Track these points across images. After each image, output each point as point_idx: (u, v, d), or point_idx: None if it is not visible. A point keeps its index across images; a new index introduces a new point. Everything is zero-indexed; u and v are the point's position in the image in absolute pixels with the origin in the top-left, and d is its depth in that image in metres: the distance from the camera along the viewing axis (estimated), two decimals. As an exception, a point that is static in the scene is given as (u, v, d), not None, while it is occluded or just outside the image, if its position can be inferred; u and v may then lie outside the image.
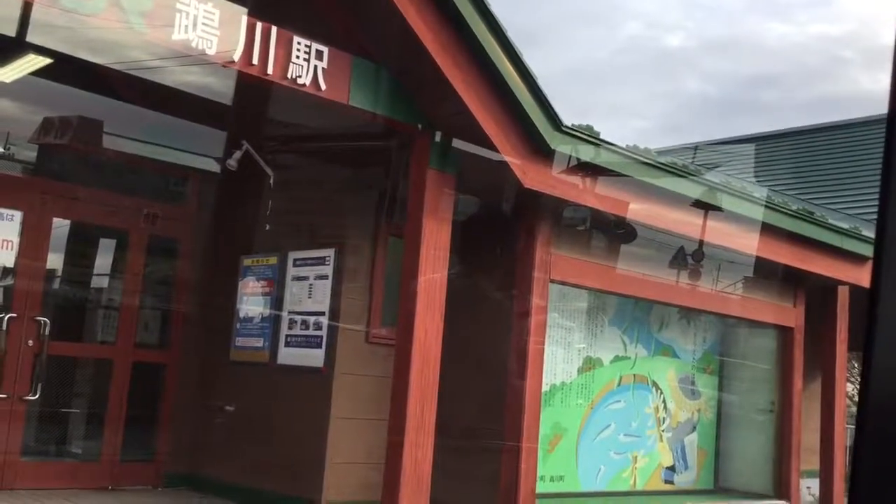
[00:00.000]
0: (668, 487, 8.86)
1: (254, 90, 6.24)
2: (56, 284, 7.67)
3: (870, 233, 9.33)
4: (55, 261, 7.48)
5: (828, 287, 9.70)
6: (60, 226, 7.34)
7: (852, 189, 12.74)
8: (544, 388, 7.33)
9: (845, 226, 9.46)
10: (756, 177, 13.64)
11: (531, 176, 6.34)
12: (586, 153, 6.66)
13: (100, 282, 8.15)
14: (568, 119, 6.35)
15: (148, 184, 8.03)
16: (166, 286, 8.01)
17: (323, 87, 5.56)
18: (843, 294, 9.84)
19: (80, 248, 7.95)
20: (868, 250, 9.05)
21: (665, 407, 8.92)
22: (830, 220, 9.33)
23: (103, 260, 8.11)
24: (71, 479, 7.10)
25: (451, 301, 6.27)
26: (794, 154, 14.81)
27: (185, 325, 7.79)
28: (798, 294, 9.67)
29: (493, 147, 6.05)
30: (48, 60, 6.54)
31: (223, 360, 7.67)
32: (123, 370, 7.42)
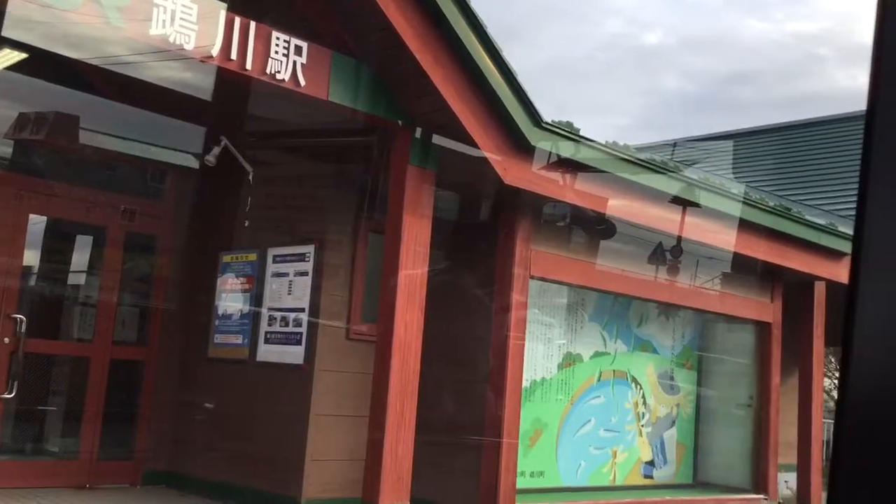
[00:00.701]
0: (647, 482, 8.91)
1: (233, 85, 6.21)
2: (32, 281, 7.59)
3: (846, 229, 9.42)
4: (31, 258, 7.41)
5: (805, 282, 9.79)
6: (37, 222, 7.27)
7: (828, 185, 12.85)
8: (525, 383, 7.35)
9: (822, 222, 9.55)
10: (734, 173, 13.74)
11: (511, 172, 6.35)
12: (566, 149, 6.67)
13: (77, 279, 8.08)
14: (548, 115, 6.37)
15: (126, 180, 7.96)
16: (144, 283, 7.96)
17: (302, 82, 5.54)
18: (819, 289, 9.93)
19: (57, 245, 7.88)
20: (844, 246, 9.14)
21: (644, 402, 8.97)
22: (807, 217, 9.41)
23: (80, 256, 8.04)
24: (48, 478, 7.04)
25: (432, 297, 6.27)
26: (771, 151, 14.93)
27: (164, 322, 7.74)
28: (775, 290, 9.75)
29: (473, 143, 6.05)
30: (24, 55, 6.47)
31: (202, 357, 7.63)
32: (101, 367, 7.36)
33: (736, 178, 12.90)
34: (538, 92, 6.23)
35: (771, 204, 9.17)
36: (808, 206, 11.69)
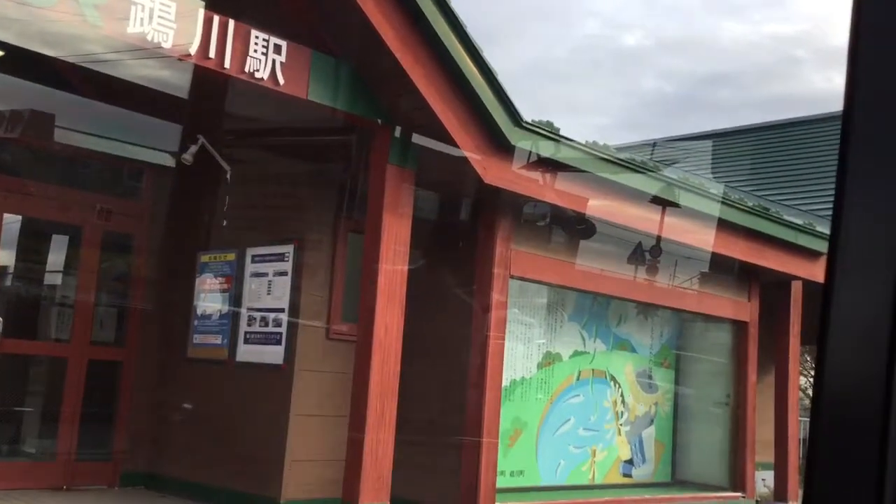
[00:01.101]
0: (626, 481, 8.95)
1: (210, 84, 6.17)
2: (8, 282, 7.52)
3: (823, 228, 9.50)
4: (7, 257, 7.33)
5: (781, 282, 9.87)
6: (12, 221, 7.19)
7: (806, 185, 12.96)
8: (504, 382, 7.36)
9: (799, 222, 9.63)
10: (713, 173, 13.82)
11: (491, 172, 6.35)
12: (546, 149, 6.69)
13: (54, 278, 8.00)
14: (528, 116, 6.39)
15: (102, 179, 7.90)
16: (122, 283, 7.89)
17: (281, 81, 5.52)
18: (796, 289, 10.02)
19: (33, 245, 7.80)
20: (821, 246, 9.22)
21: (623, 401, 9.01)
22: (785, 217, 9.49)
23: (57, 256, 7.96)
24: (25, 480, 6.97)
25: (412, 297, 6.26)
26: (749, 151, 15.03)
27: (142, 323, 7.69)
28: (752, 289, 9.82)
29: (453, 142, 6.05)
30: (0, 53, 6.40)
31: (181, 357, 7.58)
32: (78, 368, 7.30)
33: (715, 177, 12.99)
34: (518, 92, 6.25)
35: (749, 204, 9.24)
36: (786, 205, 11.78)
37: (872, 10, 0.90)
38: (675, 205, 7.88)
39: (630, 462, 9.07)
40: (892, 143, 0.89)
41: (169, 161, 7.75)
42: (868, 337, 0.88)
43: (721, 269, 9.24)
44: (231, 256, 7.37)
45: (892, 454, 0.85)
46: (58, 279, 8.02)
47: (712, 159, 14.97)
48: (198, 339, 7.52)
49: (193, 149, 7.03)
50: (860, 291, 0.89)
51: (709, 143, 15.45)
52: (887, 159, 0.89)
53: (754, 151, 14.97)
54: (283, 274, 6.94)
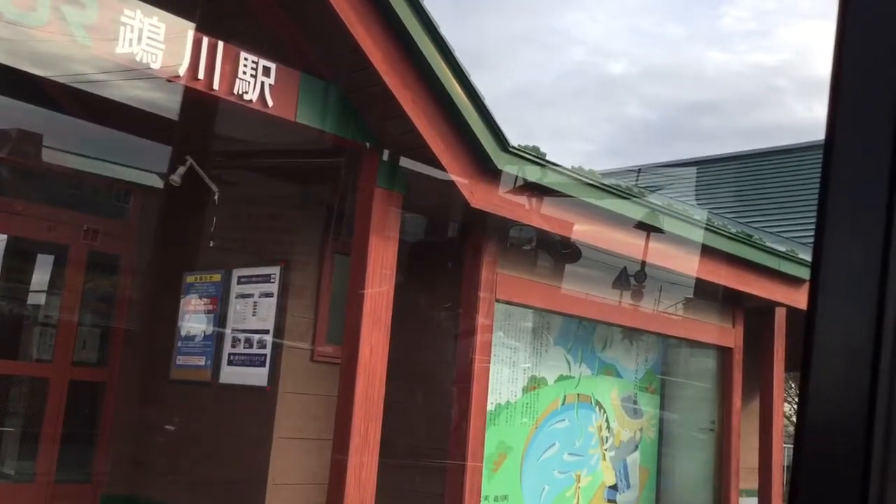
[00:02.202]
0: (610, 506, 8.92)
1: (199, 105, 6.18)
2: (-9, 301, 7.46)
3: (806, 256, 9.57)
4: (-10, 276, 7.28)
5: (765, 308, 9.92)
6: (-3, 240, 7.15)
7: (788, 213, 13.06)
8: (489, 406, 7.34)
9: (782, 249, 9.69)
10: (697, 200, 13.91)
11: (478, 195, 6.38)
12: (532, 174, 6.72)
13: (37, 298, 7.95)
14: (515, 141, 6.42)
15: (89, 199, 7.88)
16: (106, 303, 7.85)
17: (270, 103, 5.53)
18: (780, 315, 10.06)
19: (18, 264, 7.75)
20: (804, 273, 9.28)
21: (608, 426, 9.00)
22: (768, 243, 9.55)
23: (41, 276, 7.92)
24: (3, 502, 6.88)
25: (398, 320, 6.25)
26: (732, 178, 15.16)
27: (125, 343, 7.64)
28: (737, 315, 9.86)
29: (440, 166, 6.08)
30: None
31: (164, 378, 7.53)
32: (60, 388, 7.24)
33: (699, 204, 13.07)
34: (505, 118, 6.30)
35: (733, 230, 9.29)
36: (769, 233, 11.86)
37: (855, 40, 0.92)
38: (659, 230, 7.92)
39: (615, 488, 9.04)
40: (872, 171, 0.90)
41: (157, 182, 7.74)
42: (849, 363, 0.89)
43: (705, 295, 9.28)
44: (217, 277, 7.35)
45: (875, 480, 0.86)
46: (42, 298, 7.97)
47: (696, 186, 15.08)
48: (181, 360, 7.47)
49: (182, 170, 7.03)
50: (842, 317, 0.90)
51: (692, 170, 15.57)
52: (867, 187, 0.91)
53: (737, 179, 15.10)
54: (269, 295, 6.92)
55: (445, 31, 5.77)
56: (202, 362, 7.28)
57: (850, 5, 0.92)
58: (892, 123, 0.88)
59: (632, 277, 8.44)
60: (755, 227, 11.98)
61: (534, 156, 6.70)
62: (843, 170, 0.93)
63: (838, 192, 0.92)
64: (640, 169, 15.56)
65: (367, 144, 6.15)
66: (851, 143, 0.92)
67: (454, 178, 6.16)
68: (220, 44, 5.27)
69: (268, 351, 6.81)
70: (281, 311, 6.82)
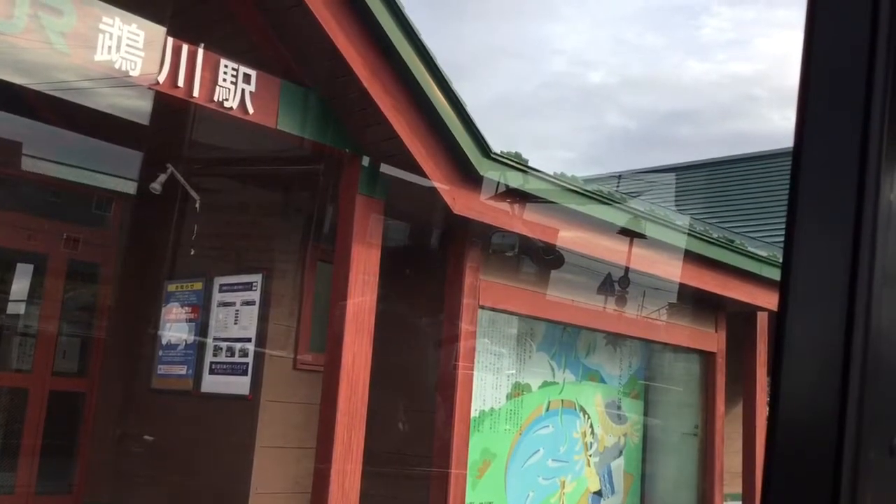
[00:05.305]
0: (595, 512, 8.92)
1: (179, 113, 6.15)
2: (-31, 310, 7.38)
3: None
4: (-31, 286, 7.21)
5: (748, 313, 9.97)
6: (-25, 249, 7.09)
7: (764, 218, 13.14)
8: (473, 413, 7.33)
9: (763, 253, 9.74)
10: (677, 205, 13.99)
11: (460, 202, 6.38)
12: (515, 180, 6.73)
13: (16, 308, 7.88)
14: (496, 148, 6.43)
15: (69, 207, 7.82)
16: (87, 312, 7.79)
17: (250, 110, 5.51)
18: (762, 319, 10.12)
19: (-4, 273, 7.69)
20: (786, 277, 9.32)
21: (592, 432, 9.01)
22: (749, 248, 9.60)
23: (20, 285, 7.84)
24: (-18, 514, 6.81)
25: (380, 327, 6.24)
26: (711, 184, 15.27)
27: (106, 353, 7.58)
28: (719, 320, 9.90)
29: (422, 173, 6.07)
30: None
31: (145, 388, 7.48)
32: (39, 399, 7.17)
33: (679, 209, 13.14)
34: (487, 126, 6.31)
35: (714, 235, 9.34)
36: (750, 237, 11.93)
37: (821, 48, 0.93)
38: (641, 236, 7.95)
39: (599, 493, 9.05)
40: (838, 177, 0.91)
41: (137, 190, 7.70)
42: (821, 363, 0.89)
43: (688, 300, 9.32)
44: (198, 286, 7.31)
45: (846, 480, 0.86)
46: (21, 308, 7.90)
47: (676, 192, 15.17)
48: (162, 369, 7.42)
49: (162, 178, 6.99)
50: (812, 318, 0.90)
51: (672, 176, 15.67)
52: (835, 190, 0.91)
53: (716, 185, 15.20)
54: (251, 303, 6.89)
55: (427, 40, 5.78)
56: (184, 371, 7.23)
57: (817, 14, 0.92)
58: (859, 129, 0.89)
59: (616, 283, 8.46)
60: (735, 232, 12.05)
61: (516, 162, 6.71)
62: (810, 174, 0.93)
63: (807, 195, 0.93)
64: (620, 175, 15.64)
65: (348, 151, 6.14)
66: (819, 148, 0.93)
67: (436, 184, 6.16)
68: (200, 51, 5.25)
69: (250, 359, 6.77)
70: (263, 319, 6.79)
